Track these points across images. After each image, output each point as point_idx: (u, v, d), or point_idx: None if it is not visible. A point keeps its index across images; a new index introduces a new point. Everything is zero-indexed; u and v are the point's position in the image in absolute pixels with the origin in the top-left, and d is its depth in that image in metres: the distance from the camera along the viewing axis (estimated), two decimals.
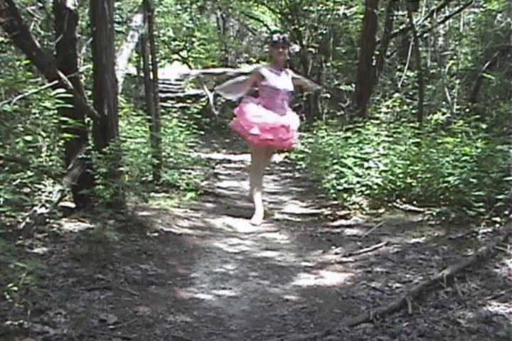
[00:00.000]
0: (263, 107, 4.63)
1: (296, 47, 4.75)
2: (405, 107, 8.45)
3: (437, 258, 3.24)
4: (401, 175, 4.73)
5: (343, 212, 4.69)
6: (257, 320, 2.63)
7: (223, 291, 3.00)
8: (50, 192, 3.68)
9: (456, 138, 4.97)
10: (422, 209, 4.25)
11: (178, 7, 13.31)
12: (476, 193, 3.74)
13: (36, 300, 2.41)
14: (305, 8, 10.59)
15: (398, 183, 4.71)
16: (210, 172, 7.03)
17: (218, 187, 6.32)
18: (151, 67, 5.68)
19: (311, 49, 10.61)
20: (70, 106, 3.31)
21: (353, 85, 8.84)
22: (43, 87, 3.55)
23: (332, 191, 4.95)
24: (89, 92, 4.27)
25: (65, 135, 3.60)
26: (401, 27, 8.91)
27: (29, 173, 3.65)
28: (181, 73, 13.64)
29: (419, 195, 4.52)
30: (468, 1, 8.72)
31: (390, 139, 5.63)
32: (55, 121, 4.05)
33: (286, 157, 8.87)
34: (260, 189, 4.88)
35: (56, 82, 3.37)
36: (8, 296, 2.23)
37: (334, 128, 7.51)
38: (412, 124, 6.09)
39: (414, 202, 4.47)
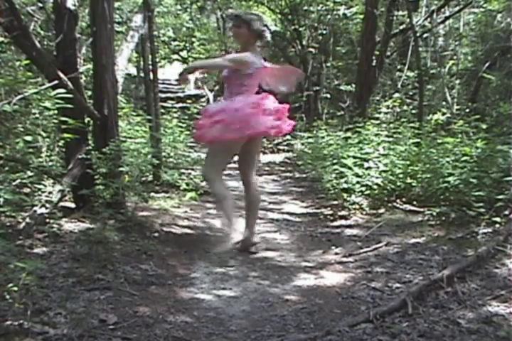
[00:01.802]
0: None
1: (268, 35, 3.85)
2: (405, 107, 8.46)
3: (437, 258, 3.24)
4: (401, 175, 4.74)
5: (343, 212, 4.68)
6: (257, 320, 2.63)
7: (223, 291, 3.00)
8: (50, 192, 3.67)
9: (456, 138, 4.98)
10: (422, 210, 4.26)
11: (178, 7, 13.30)
12: (476, 193, 3.75)
13: (36, 300, 2.41)
14: (305, 8, 10.58)
15: (398, 183, 4.71)
16: None
17: None
18: (151, 67, 5.67)
19: (311, 49, 10.62)
20: (70, 106, 3.30)
21: (353, 85, 8.84)
22: (43, 87, 3.55)
23: (332, 191, 4.95)
24: (89, 92, 4.27)
25: (65, 135, 3.60)
26: (401, 27, 8.90)
27: (29, 173, 3.66)
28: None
29: (419, 195, 4.53)
30: (468, 1, 8.73)
31: (390, 139, 5.65)
32: (55, 121, 4.05)
33: (286, 157, 8.87)
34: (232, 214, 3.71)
35: (56, 82, 3.37)
36: (8, 296, 2.23)
37: (334, 129, 7.53)
38: (412, 124, 6.10)
39: (414, 202, 4.48)
